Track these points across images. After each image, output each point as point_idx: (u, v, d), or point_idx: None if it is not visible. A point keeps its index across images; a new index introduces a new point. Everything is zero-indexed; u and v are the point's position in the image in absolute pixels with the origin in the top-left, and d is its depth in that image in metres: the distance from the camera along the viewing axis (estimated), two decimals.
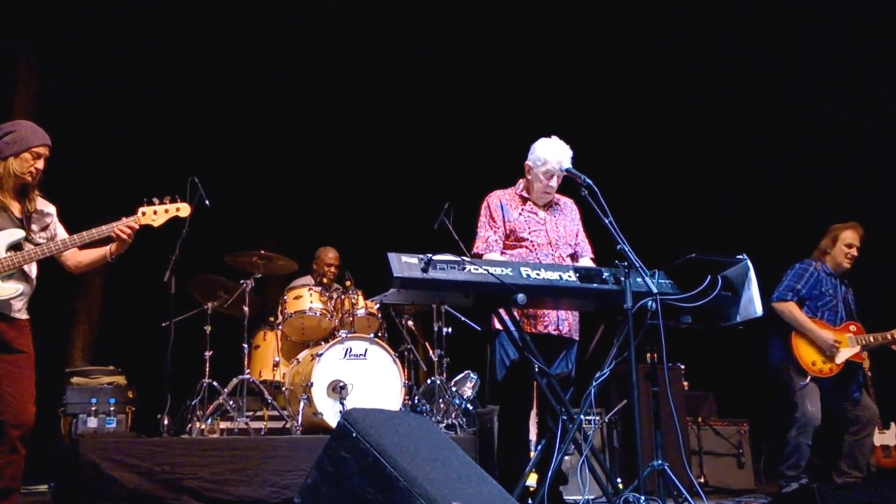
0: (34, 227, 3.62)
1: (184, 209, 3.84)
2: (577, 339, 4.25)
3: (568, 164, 4.13)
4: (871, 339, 5.01)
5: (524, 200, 4.29)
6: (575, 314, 4.24)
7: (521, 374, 4.05)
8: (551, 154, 4.15)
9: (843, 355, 4.94)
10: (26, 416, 3.46)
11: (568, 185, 4.12)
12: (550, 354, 4.05)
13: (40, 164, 3.59)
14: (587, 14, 8.02)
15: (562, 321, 4.16)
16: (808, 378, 4.91)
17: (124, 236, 3.64)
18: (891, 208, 6.85)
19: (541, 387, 3.83)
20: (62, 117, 7.00)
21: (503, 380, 4.13)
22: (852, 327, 5.05)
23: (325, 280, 6.59)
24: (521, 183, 4.36)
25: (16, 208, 3.58)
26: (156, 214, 3.76)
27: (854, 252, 5.15)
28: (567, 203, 4.43)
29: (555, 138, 4.22)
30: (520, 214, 4.24)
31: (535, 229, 4.21)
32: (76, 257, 3.74)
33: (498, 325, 4.12)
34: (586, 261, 4.31)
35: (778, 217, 7.81)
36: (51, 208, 3.74)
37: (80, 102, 7.64)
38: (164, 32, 7.74)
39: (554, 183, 4.21)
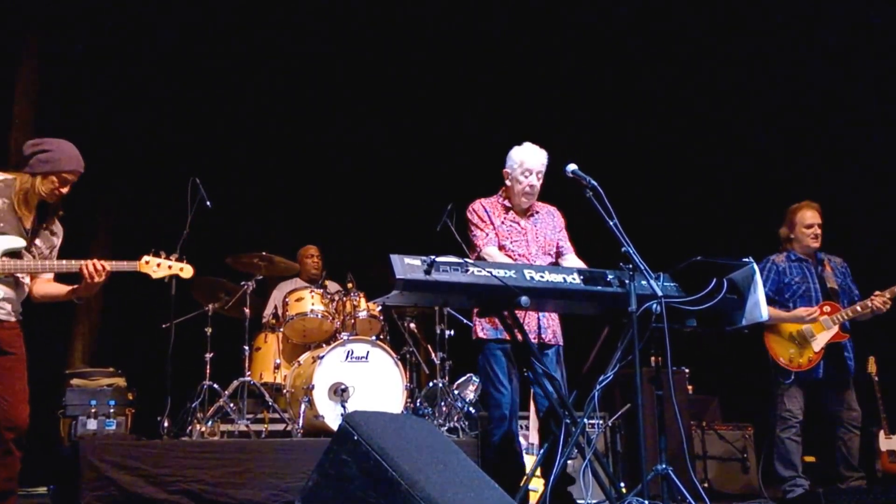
0: (38, 241, 3.59)
1: (187, 271, 3.82)
2: (560, 343, 4.31)
3: (544, 162, 4.25)
4: (849, 313, 4.77)
5: (506, 210, 4.34)
6: (557, 321, 4.30)
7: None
8: (527, 154, 4.27)
9: (821, 341, 4.78)
10: (20, 417, 3.44)
11: (573, 189, 4.09)
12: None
13: (65, 190, 3.56)
14: (588, 15, 8.00)
15: (544, 329, 4.23)
16: (792, 377, 4.83)
17: (92, 270, 3.47)
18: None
19: (544, 391, 3.81)
20: (63, 118, 6.99)
21: (488, 395, 4.27)
22: (826, 308, 4.83)
23: (313, 274, 6.66)
24: (501, 192, 4.39)
25: (28, 221, 3.55)
26: (158, 267, 3.73)
27: (816, 230, 4.95)
28: (550, 211, 4.48)
29: (527, 143, 4.33)
30: (502, 223, 4.30)
31: (515, 239, 4.27)
32: (42, 287, 3.63)
33: (481, 334, 4.15)
34: (572, 257, 4.34)
35: (779, 218, 7.76)
36: (60, 231, 3.72)
37: (82, 103, 7.62)
38: (165, 34, 7.72)
39: (534, 181, 4.26)
